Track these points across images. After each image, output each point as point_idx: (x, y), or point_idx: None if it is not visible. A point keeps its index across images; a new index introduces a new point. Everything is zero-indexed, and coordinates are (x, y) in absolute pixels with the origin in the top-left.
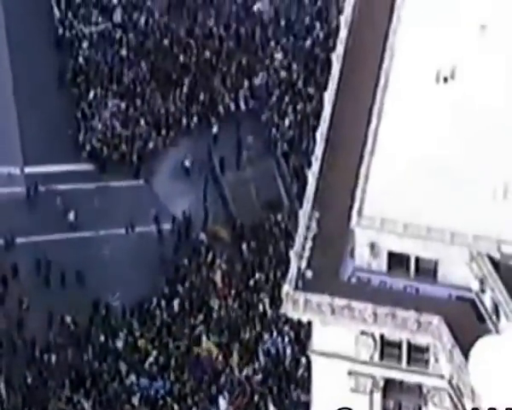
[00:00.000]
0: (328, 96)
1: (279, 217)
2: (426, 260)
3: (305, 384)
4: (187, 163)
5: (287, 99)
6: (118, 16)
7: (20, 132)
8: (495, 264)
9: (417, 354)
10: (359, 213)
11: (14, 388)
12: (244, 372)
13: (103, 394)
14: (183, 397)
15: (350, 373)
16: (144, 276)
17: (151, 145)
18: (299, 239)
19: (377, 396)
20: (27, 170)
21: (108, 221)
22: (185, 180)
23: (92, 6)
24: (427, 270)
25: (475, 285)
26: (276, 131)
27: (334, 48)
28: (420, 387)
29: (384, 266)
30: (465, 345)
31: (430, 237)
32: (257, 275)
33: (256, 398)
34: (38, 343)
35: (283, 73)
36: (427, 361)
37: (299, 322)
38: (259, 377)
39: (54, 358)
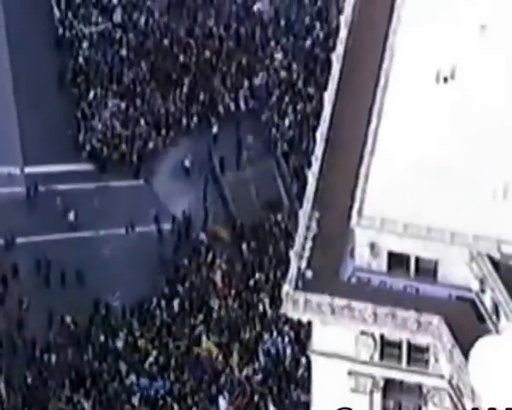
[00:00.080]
0: (328, 96)
1: (279, 217)
2: (426, 260)
3: (305, 384)
4: (187, 163)
5: (287, 99)
6: (118, 16)
7: (20, 132)
8: (495, 264)
9: (417, 354)
10: (359, 213)
11: (14, 388)
12: (244, 372)
13: (103, 394)
14: (183, 397)
15: (350, 373)
16: (144, 276)
17: (151, 145)
18: (299, 239)
19: (377, 396)
20: (27, 170)
21: (108, 221)
22: (185, 180)
23: (92, 6)
24: (427, 270)
25: (475, 285)
26: (276, 131)
27: (334, 48)
28: (420, 387)
29: (384, 266)
30: (465, 345)
31: (430, 237)
32: (257, 275)
33: (256, 398)
34: (38, 343)
35: (283, 73)
36: (427, 361)
37: (299, 322)
38: (259, 377)
39: (54, 358)
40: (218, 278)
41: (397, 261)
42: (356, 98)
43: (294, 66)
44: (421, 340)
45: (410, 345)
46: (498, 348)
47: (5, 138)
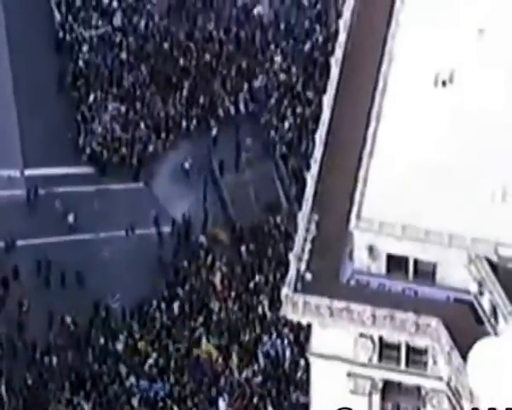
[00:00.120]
0: (327, 100)
1: (278, 219)
2: (424, 263)
3: (305, 386)
4: (186, 166)
5: (286, 102)
6: (118, 20)
7: (21, 135)
8: (493, 266)
9: (416, 356)
10: (358, 215)
11: (15, 389)
12: (244, 374)
13: (103, 396)
14: (182, 399)
15: (349, 375)
16: (144, 278)
17: (151, 148)
18: (298, 242)
19: (376, 398)
20: (27, 173)
21: (108, 224)
22: (185, 183)
23: (92, 9)
24: (426, 272)
25: (474, 288)
26: (275, 133)
27: (333, 51)
28: (418, 389)
29: (383, 269)
30: (463, 347)
31: (429, 240)
32: (256, 277)
33: (255, 400)
34: (39, 345)
35: (283, 76)
36: (425, 363)
37: (299, 324)
38: (259, 379)
39: (54, 360)
40: (217, 280)
41: (395, 264)
42: (355, 101)
43: (294, 69)
44: (419, 342)
45: (408, 347)
46: (497, 350)
47: (5, 141)
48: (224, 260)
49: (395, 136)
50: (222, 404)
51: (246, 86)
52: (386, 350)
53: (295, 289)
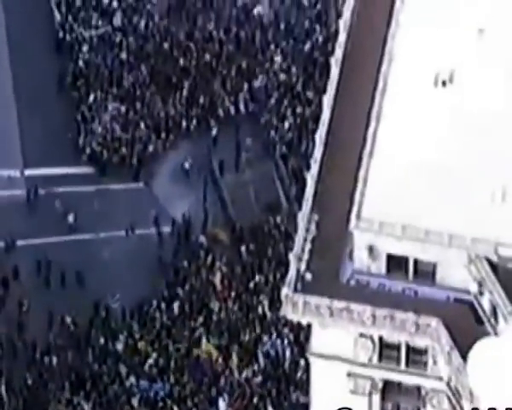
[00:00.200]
0: (327, 99)
1: (278, 219)
2: (424, 263)
3: (305, 386)
4: (186, 166)
5: (286, 102)
6: (118, 20)
7: (21, 135)
8: (493, 266)
9: (416, 356)
10: (358, 215)
11: (15, 389)
12: (244, 374)
13: (103, 396)
14: (182, 399)
15: (349, 375)
16: (144, 278)
17: (151, 148)
18: (298, 242)
19: (376, 398)
20: (27, 173)
21: (108, 224)
22: (185, 183)
23: (92, 9)
24: (426, 272)
25: (474, 288)
26: (275, 133)
27: (333, 51)
28: (418, 389)
29: (383, 269)
30: (463, 347)
31: (428, 240)
32: (256, 277)
33: (255, 400)
34: (39, 345)
35: (283, 76)
36: (425, 363)
37: (299, 324)
38: (259, 379)
39: (54, 360)
40: (217, 280)
41: (395, 264)
42: (355, 101)
43: (294, 69)
44: (419, 342)
45: (408, 347)
46: (497, 350)
47: (5, 141)
48: (224, 260)
49: (395, 136)
50: (222, 404)
51: (246, 86)
52: (386, 350)
53: (295, 289)
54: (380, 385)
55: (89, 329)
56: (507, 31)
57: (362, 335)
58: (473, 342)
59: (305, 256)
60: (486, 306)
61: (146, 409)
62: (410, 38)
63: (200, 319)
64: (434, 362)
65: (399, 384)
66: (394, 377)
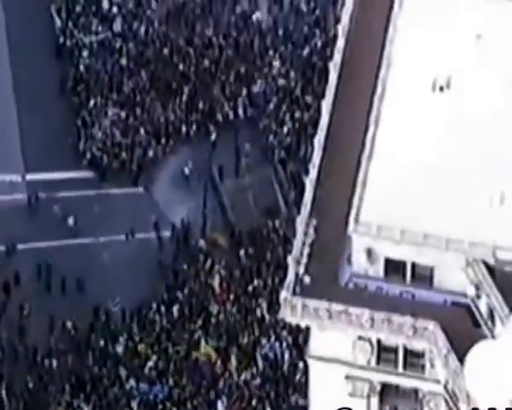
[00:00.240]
0: (326, 104)
1: (277, 223)
2: (422, 266)
3: (303, 389)
4: (186, 171)
5: (285, 107)
6: (118, 26)
7: (22, 140)
8: (490, 270)
9: (413, 359)
10: (356, 219)
11: (16, 393)
12: (242, 377)
13: (103, 398)
14: (182, 401)
15: (347, 378)
16: (144, 282)
17: (151, 153)
18: (296, 245)
19: (374, 401)
20: (28, 177)
21: (109, 228)
22: (184, 188)
23: (92, 15)
24: (424, 276)
25: (471, 291)
26: (274, 138)
27: (331, 56)
28: (416, 391)
29: (381, 272)
30: (460, 350)
31: (426, 244)
32: (255, 281)
33: (254, 402)
34: (40, 349)
35: (281, 81)
36: (423, 366)
37: (297, 327)
38: (258, 381)
39: (55, 363)
40: (216, 283)
41: (393, 267)
42: (353, 106)
43: (292, 74)
44: (417, 345)
45: (406, 350)
46: (494, 353)
47: (6, 146)
48: (223, 264)
49: (393, 140)
50: (221, 406)
51: (245, 91)
52: (384, 353)
53: (294, 293)
54: (378, 388)
55: (89, 332)
56: (504, 36)
57: (360, 338)
58: (470, 345)
59: (304, 260)
60: (483, 309)
61: None
62: (408, 43)
63: (200, 322)
64: (432, 365)
65: (397, 387)
66: (392, 379)
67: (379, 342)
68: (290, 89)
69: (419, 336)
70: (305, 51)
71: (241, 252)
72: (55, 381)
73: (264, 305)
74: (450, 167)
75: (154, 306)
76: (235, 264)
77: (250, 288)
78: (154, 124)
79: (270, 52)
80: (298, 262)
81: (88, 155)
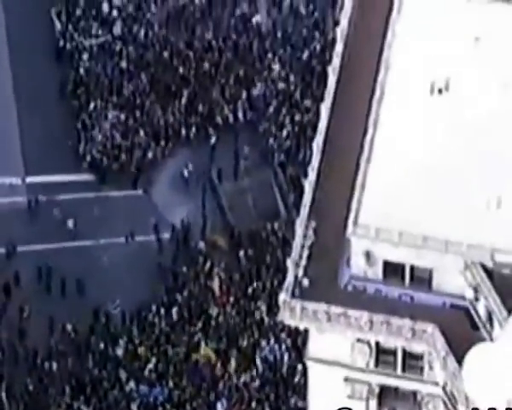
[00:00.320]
0: (325, 108)
1: (276, 226)
2: (421, 269)
3: (302, 391)
4: (185, 173)
5: (284, 110)
6: (118, 29)
7: (22, 143)
8: (488, 272)
9: (412, 362)
10: (355, 222)
11: (16, 395)
12: (242, 379)
13: (103, 401)
14: (181, 403)
15: (346, 380)
16: (144, 284)
17: (150, 156)
18: (296, 248)
19: (373, 403)
20: (28, 180)
21: (108, 230)
22: (184, 190)
23: (92, 19)
24: (422, 278)
25: (469, 294)
26: (274, 141)
27: (330, 60)
28: (415, 394)
29: (379, 275)
30: (459, 353)
31: (425, 246)
32: (254, 283)
33: (254, 404)
34: (40, 351)
35: (281, 85)
36: (421, 368)
37: (296, 329)
38: (257, 383)
39: (55, 365)
40: (216, 285)
41: (392, 270)
42: (352, 110)
43: (292, 77)
44: (415, 347)
45: (405, 352)
46: (492, 356)
47: (6, 149)
48: (223, 266)
49: (392, 143)
50: (220, 408)
51: (244, 94)
52: (382, 355)
53: (293, 295)
54: (376, 390)
55: (89, 334)
56: (503, 39)
57: (359, 340)
58: (468, 347)
59: (303, 262)
60: (482, 312)
61: None
62: (406, 47)
63: (199, 324)
64: (430, 367)
65: (396, 389)
66: (391, 382)
67: (377, 344)
68: (290, 92)
69: (418, 339)
70: (305, 54)
71: (241, 254)
72: (55, 383)
73: (264, 307)
74: (448, 170)
75: (154, 308)
76: (234, 266)
77: (249, 290)
78: (153, 126)
79: (270, 55)
80: (297, 265)
81: (88, 158)
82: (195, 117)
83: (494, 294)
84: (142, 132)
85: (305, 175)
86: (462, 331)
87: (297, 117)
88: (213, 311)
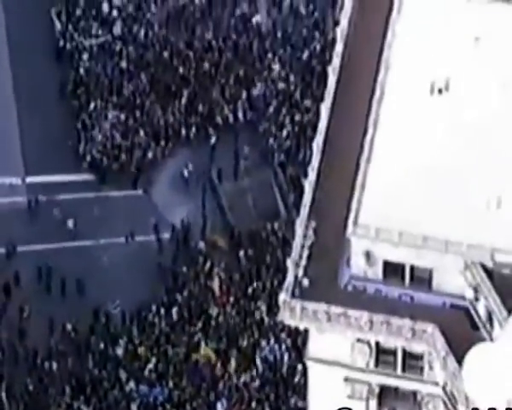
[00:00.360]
0: (325, 108)
1: (276, 226)
2: (421, 269)
3: (302, 391)
4: (185, 173)
5: (284, 110)
6: (118, 29)
7: (22, 143)
8: (488, 272)
9: (412, 362)
10: (355, 222)
11: (16, 395)
12: (242, 379)
13: (103, 401)
14: (181, 403)
15: (346, 380)
16: (143, 284)
17: (150, 156)
18: (295, 248)
19: (373, 403)
20: (28, 180)
21: (108, 230)
22: (184, 190)
23: (92, 19)
24: (422, 278)
25: (469, 294)
26: (274, 141)
27: (330, 60)
28: (415, 394)
29: (379, 275)
30: (459, 353)
31: (425, 246)
32: (254, 283)
33: (254, 404)
34: (40, 351)
35: (281, 85)
36: (421, 368)
37: (296, 329)
38: (257, 383)
39: (55, 365)
40: (216, 285)
41: (392, 270)
42: (352, 110)
43: (292, 77)
44: (415, 347)
45: (405, 352)
46: (492, 356)
47: (6, 149)
48: (223, 266)
49: (392, 143)
50: (220, 408)
51: (244, 94)
52: (382, 355)
53: (293, 295)
54: (376, 390)
55: (89, 334)
56: (503, 39)
57: (359, 340)
58: (468, 347)
59: (303, 262)
60: (482, 312)
61: None
62: (406, 47)
63: (199, 324)
64: (430, 367)
65: (396, 389)
66: (391, 382)
67: (378, 344)
68: (290, 92)
69: (418, 339)
70: (305, 54)
71: (241, 254)
72: (55, 383)
73: (264, 307)
74: (448, 170)
75: (154, 308)
76: (234, 266)
77: (249, 290)
78: (153, 126)
79: (270, 55)
80: (297, 265)
81: (88, 158)
82: (195, 117)
83: (494, 294)
84: (142, 132)
85: (305, 175)
86: (462, 331)
87: (297, 117)
88: (213, 311)
